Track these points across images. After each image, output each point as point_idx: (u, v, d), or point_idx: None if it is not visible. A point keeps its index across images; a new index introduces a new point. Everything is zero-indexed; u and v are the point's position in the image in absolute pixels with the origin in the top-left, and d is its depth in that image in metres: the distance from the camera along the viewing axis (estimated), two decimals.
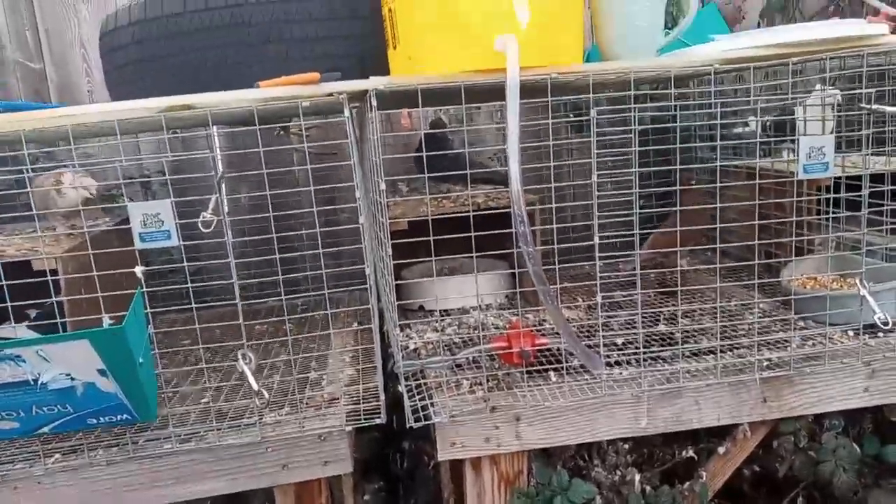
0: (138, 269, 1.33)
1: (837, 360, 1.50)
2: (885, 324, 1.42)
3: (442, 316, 1.90)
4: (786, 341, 1.56)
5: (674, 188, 1.81)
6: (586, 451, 1.67)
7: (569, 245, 1.58)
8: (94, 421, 1.34)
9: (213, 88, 1.35)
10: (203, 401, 1.53)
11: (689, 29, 1.55)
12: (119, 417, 1.34)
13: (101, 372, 1.24)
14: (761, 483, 1.92)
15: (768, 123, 2.03)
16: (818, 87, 1.73)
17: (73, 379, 1.25)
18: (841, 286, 1.67)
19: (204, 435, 1.39)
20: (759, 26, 2.53)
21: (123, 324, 1.21)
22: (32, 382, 1.24)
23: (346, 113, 1.31)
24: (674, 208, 1.74)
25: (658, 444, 1.83)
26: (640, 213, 2.16)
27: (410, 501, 2.04)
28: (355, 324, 2.02)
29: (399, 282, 1.98)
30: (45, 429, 1.34)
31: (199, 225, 1.28)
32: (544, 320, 1.70)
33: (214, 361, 1.76)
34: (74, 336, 1.22)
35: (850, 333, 1.58)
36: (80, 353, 1.21)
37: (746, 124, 2.01)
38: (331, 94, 1.29)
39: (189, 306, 1.35)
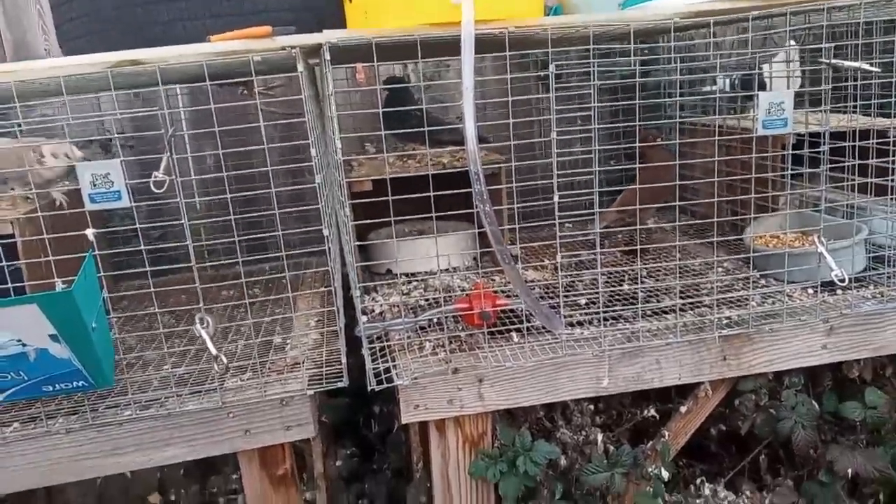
0: (90, 232, 1.30)
1: (796, 317, 1.51)
2: (842, 281, 1.43)
3: (409, 278, 1.89)
4: (746, 299, 1.57)
5: (642, 145, 1.80)
6: (552, 413, 1.68)
7: (537, 204, 1.57)
8: (50, 388, 1.32)
9: (165, 43, 1.31)
10: (165, 367, 1.51)
11: None
12: (75, 384, 1.32)
13: (53, 337, 1.22)
14: (728, 440, 1.95)
15: (735, 80, 2.01)
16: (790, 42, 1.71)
17: (24, 345, 1.23)
18: (802, 244, 1.67)
19: (164, 401, 1.38)
20: None
21: (72, 287, 1.18)
22: None
23: (300, 68, 1.27)
24: (642, 165, 1.72)
25: (627, 404, 1.84)
26: (610, 172, 2.16)
27: (382, 466, 2.05)
28: (322, 287, 2.00)
29: (365, 243, 1.96)
30: (0, 397, 1.32)
31: (151, 185, 1.24)
32: (510, 281, 1.69)
33: (179, 326, 1.74)
34: (22, 300, 1.19)
35: (809, 291, 1.59)
36: (30, 318, 1.18)
37: (714, 81, 1.99)
38: (283, 49, 1.25)
39: (153, 270, 1.33)
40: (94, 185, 1.21)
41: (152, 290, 1.36)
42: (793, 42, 1.77)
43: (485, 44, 1.31)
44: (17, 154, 1.54)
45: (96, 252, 1.28)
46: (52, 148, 1.57)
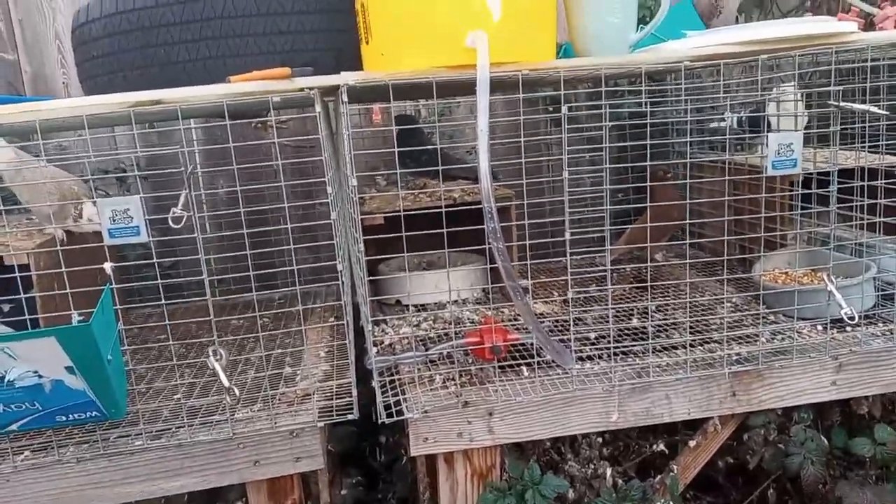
0: (107, 265, 1.32)
1: (805, 354, 1.51)
2: (852, 318, 1.44)
3: (418, 310, 1.90)
4: (755, 335, 1.58)
5: (650, 183, 1.82)
6: (560, 445, 1.68)
7: (546, 240, 1.59)
8: (63, 418, 1.33)
9: (185, 82, 1.34)
10: (175, 397, 1.53)
11: (664, 24, 1.55)
12: (88, 414, 1.33)
13: (69, 369, 1.23)
14: (736, 474, 1.94)
15: (743, 119, 2.04)
16: (784, 84, 1.74)
17: (40, 376, 1.24)
18: (812, 280, 1.68)
19: (175, 431, 1.39)
20: (736, 21, 2.53)
21: (91, 321, 1.19)
22: None
23: (318, 108, 1.30)
24: (650, 203, 1.74)
25: (634, 437, 1.84)
26: (618, 208, 2.18)
27: (388, 495, 2.04)
28: (332, 318, 2.01)
29: (375, 277, 1.98)
30: (14, 426, 1.33)
31: (170, 221, 1.27)
32: (519, 315, 1.70)
33: (189, 357, 1.75)
34: (41, 333, 1.20)
35: (819, 328, 1.60)
36: (47, 351, 1.20)
37: (723, 119, 2.01)
38: (302, 90, 1.28)
39: (164, 300, 1.35)
40: (114, 221, 1.23)
41: (167, 322, 1.37)
42: (788, 84, 1.80)
43: (498, 84, 1.34)
44: (59, 195, 1.54)
45: (113, 285, 1.30)
46: (92, 213, 1.58)
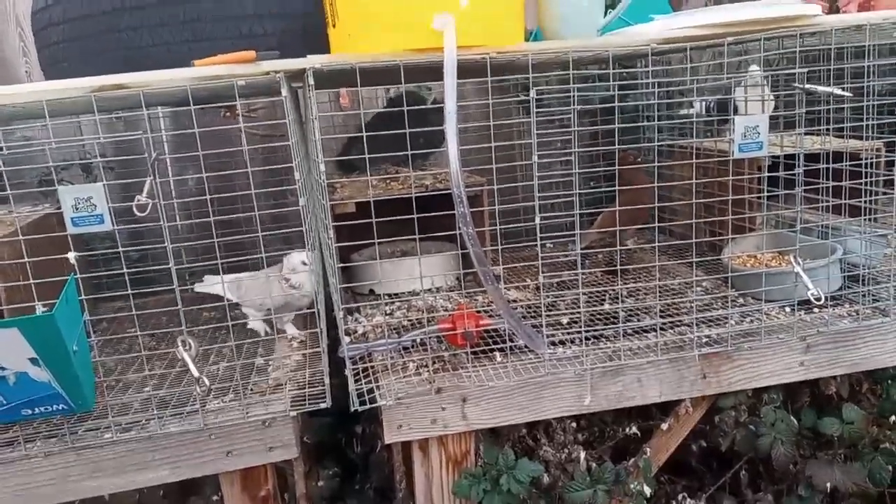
0: (71, 255, 1.30)
1: (774, 335, 1.54)
2: (818, 299, 1.46)
3: (391, 299, 1.90)
4: (725, 318, 1.59)
5: (620, 167, 1.83)
6: (535, 431, 1.68)
7: (518, 226, 1.58)
8: (29, 412, 1.31)
9: (149, 67, 1.31)
10: (146, 389, 1.50)
11: (633, 9, 1.55)
12: (55, 407, 1.31)
13: (33, 361, 1.21)
14: (709, 456, 1.96)
15: (711, 104, 2.05)
16: (752, 67, 1.75)
17: (3, 369, 1.22)
18: (779, 263, 1.70)
19: (145, 424, 1.37)
20: (705, 6, 2.55)
21: (54, 310, 1.17)
22: None
23: (284, 92, 1.29)
24: (622, 188, 1.75)
25: (609, 421, 1.86)
26: (590, 194, 2.19)
27: (365, 486, 2.03)
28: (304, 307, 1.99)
29: (348, 265, 1.97)
30: None
31: (134, 209, 1.24)
32: (492, 301, 1.70)
33: (159, 349, 1.73)
34: (3, 324, 1.18)
35: (787, 309, 1.62)
36: (11, 342, 1.18)
37: (691, 105, 2.03)
38: (268, 73, 1.27)
39: (133, 292, 1.32)
40: (77, 209, 1.20)
41: (134, 312, 1.35)
42: (755, 67, 1.81)
43: (467, 69, 1.33)
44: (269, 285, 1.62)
45: (78, 275, 1.27)
46: (287, 273, 1.66)
